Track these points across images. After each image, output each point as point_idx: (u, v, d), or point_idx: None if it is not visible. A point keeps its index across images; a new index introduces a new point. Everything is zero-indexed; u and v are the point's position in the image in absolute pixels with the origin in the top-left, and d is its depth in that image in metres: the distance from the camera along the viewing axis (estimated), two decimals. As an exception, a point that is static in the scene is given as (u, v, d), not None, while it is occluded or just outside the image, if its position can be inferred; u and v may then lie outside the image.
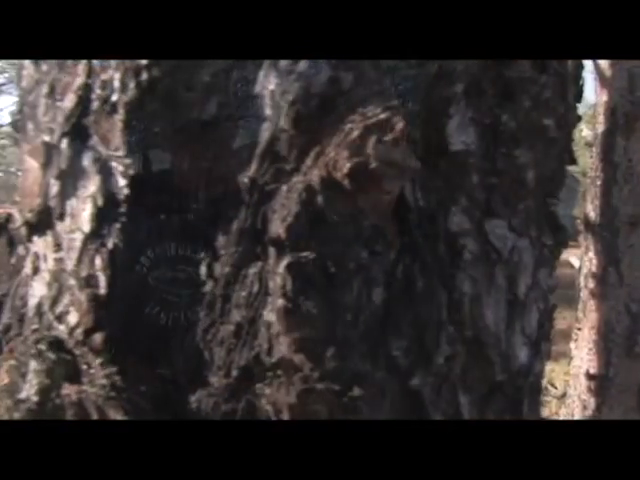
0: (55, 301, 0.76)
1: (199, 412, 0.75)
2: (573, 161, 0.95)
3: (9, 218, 0.87)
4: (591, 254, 2.13)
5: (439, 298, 0.78)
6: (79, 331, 0.74)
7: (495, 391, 0.83)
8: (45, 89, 0.79)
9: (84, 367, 0.77)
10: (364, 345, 0.76)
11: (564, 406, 2.24)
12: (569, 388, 2.19)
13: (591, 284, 2.12)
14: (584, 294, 2.16)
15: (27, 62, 0.84)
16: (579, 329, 2.15)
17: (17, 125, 0.85)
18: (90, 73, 0.75)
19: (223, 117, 0.75)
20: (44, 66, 0.81)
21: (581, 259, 2.20)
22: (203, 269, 0.74)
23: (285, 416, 0.73)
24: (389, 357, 0.78)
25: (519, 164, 0.83)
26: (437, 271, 0.78)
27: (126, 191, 0.73)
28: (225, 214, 0.74)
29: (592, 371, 2.10)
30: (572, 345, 2.16)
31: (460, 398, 0.81)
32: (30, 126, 0.82)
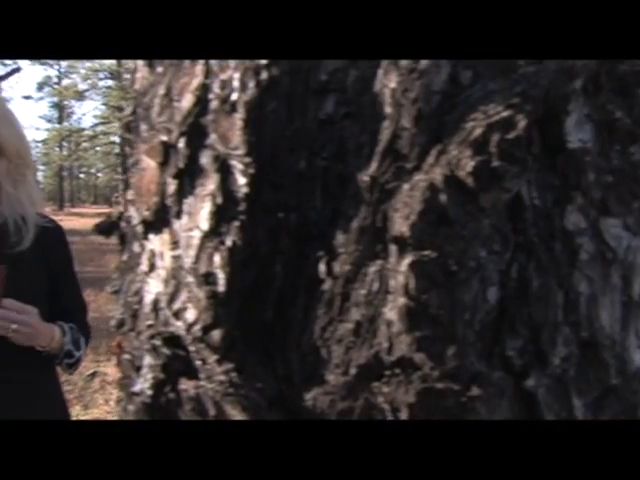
0: (172, 298, 0.77)
1: (314, 410, 0.75)
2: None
3: (121, 216, 0.88)
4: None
5: (555, 298, 0.77)
6: (197, 328, 0.75)
7: (609, 394, 0.81)
8: (161, 90, 0.80)
9: (198, 363, 0.77)
10: (479, 345, 0.75)
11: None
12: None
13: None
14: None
15: (141, 65, 0.85)
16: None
17: (130, 126, 0.87)
18: (208, 73, 0.76)
19: (340, 115, 0.75)
20: (159, 68, 0.82)
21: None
22: (322, 267, 0.74)
23: (403, 415, 0.73)
24: (503, 357, 0.77)
25: (634, 161, 0.81)
26: (553, 271, 0.77)
27: (245, 189, 0.73)
28: (344, 212, 0.74)
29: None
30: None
31: (574, 401, 0.79)
32: (144, 127, 0.84)
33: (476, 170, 0.70)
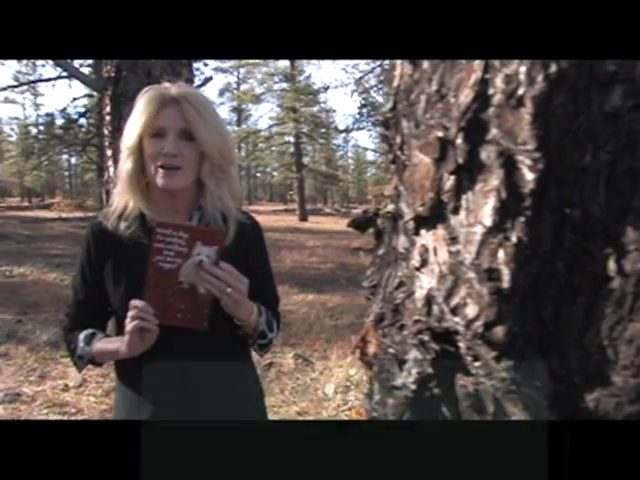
0: (450, 293, 0.77)
1: (596, 411, 0.74)
2: None
3: (377, 212, 0.90)
4: None
5: None
6: (478, 324, 0.75)
7: None
8: (432, 86, 0.80)
9: (469, 359, 0.77)
10: None
11: None
12: None
13: None
14: None
15: (400, 63, 0.86)
16: None
17: (388, 123, 0.88)
18: (487, 68, 0.75)
19: (628, 107, 0.73)
20: (424, 65, 0.82)
21: None
22: (612, 265, 0.72)
23: (699, 421, 0.70)
24: None
25: None
26: None
27: (532, 185, 0.72)
28: (634, 208, 0.72)
29: None
30: None
31: None
32: (405, 123, 0.85)
33: None
